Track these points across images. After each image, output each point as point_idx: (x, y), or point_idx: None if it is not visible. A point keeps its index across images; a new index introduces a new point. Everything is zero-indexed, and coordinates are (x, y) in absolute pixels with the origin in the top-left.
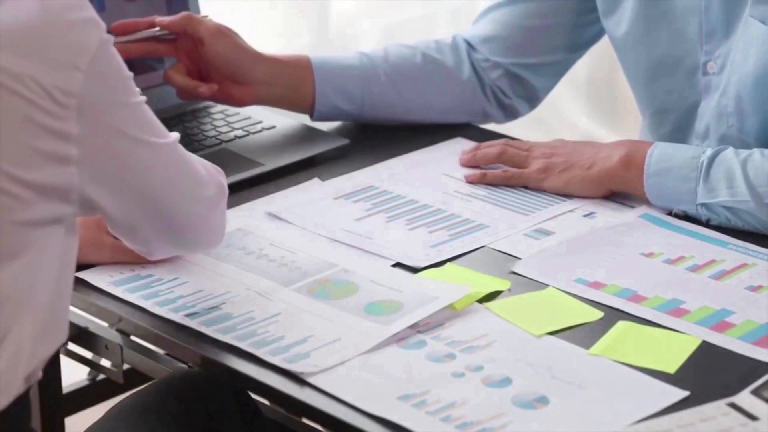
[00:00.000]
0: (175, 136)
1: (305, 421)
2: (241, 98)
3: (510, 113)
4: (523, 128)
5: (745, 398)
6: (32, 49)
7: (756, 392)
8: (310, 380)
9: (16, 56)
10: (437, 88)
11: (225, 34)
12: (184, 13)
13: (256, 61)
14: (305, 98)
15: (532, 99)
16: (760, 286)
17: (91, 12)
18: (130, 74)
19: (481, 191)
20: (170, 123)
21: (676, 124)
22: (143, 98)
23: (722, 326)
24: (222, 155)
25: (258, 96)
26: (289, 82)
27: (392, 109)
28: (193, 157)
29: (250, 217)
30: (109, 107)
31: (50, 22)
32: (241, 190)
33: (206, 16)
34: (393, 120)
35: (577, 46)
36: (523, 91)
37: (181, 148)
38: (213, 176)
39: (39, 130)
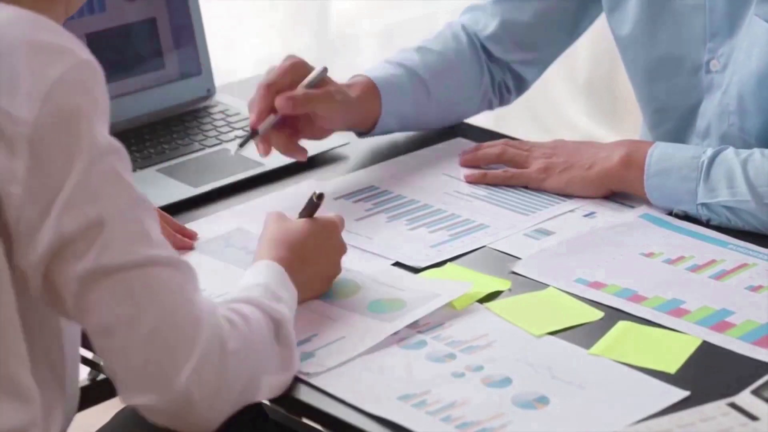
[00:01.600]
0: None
1: (305, 421)
2: (317, 138)
3: (502, 103)
4: (523, 128)
5: (745, 398)
6: None
7: (756, 392)
8: (311, 380)
9: None
10: (467, 98)
11: (342, 105)
12: (302, 96)
13: (353, 111)
14: (365, 127)
15: (522, 90)
16: (760, 286)
17: (64, 42)
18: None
19: (481, 191)
20: (170, 123)
21: (677, 123)
22: (119, 165)
23: (722, 326)
24: (222, 155)
25: (331, 132)
26: (362, 120)
27: (426, 122)
28: (189, 282)
29: (250, 217)
30: (64, 156)
31: (13, 39)
32: (241, 191)
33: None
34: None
35: (574, 38)
36: (517, 85)
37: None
38: (212, 322)
39: None
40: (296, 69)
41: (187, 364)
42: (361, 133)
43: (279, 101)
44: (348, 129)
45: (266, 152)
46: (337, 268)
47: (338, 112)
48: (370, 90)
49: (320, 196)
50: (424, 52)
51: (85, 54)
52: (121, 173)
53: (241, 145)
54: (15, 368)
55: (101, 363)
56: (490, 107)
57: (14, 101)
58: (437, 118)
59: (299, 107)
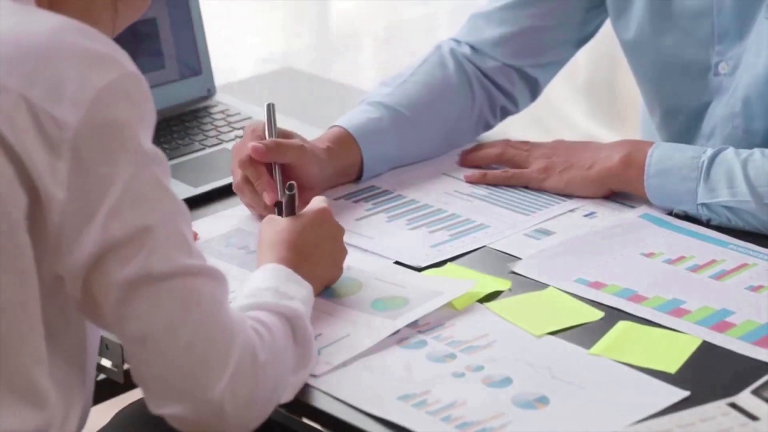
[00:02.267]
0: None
1: (305, 421)
2: (307, 201)
3: (507, 115)
4: (523, 128)
5: (745, 398)
6: (31, 67)
7: (756, 392)
8: (311, 380)
9: (10, 72)
10: (456, 128)
11: (311, 155)
12: (271, 148)
13: (323, 162)
14: (351, 177)
15: (535, 97)
16: (760, 286)
17: (112, 52)
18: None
19: (481, 191)
20: (170, 123)
21: (686, 125)
22: (155, 175)
23: (722, 326)
24: (222, 155)
25: (317, 192)
26: (342, 171)
27: (415, 156)
28: (224, 293)
29: (250, 217)
30: (107, 162)
31: (62, 44)
32: None
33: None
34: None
35: (584, 39)
36: (530, 94)
37: (202, 278)
38: (244, 334)
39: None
40: (257, 131)
41: (222, 376)
42: (350, 181)
43: (252, 151)
44: (331, 184)
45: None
46: (341, 251)
47: (311, 163)
48: (343, 140)
49: (291, 187)
50: (408, 85)
51: (132, 66)
52: (164, 182)
53: None
54: (34, 372)
55: (101, 362)
56: (487, 128)
57: (60, 106)
58: (426, 152)
59: (271, 154)
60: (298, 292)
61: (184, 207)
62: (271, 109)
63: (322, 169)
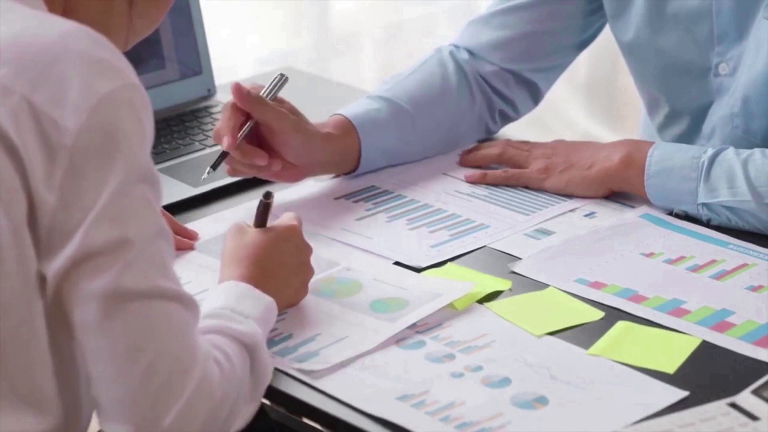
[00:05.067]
0: (170, 288)
1: (305, 420)
2: (293, 178)
3: (507, 121)
4: (523, 128)
5: (745, 398)
6: (37, 71)
7: (756, 392)
8: (310, 380)
9: (16, 75)
10: (455, 127)
11: (296, 125)
12: (253, 98)
13: (320, 145)
14: (348, 166)
15: (536, 102)
16: (760, 286)
17: (118, 62)
18: (144, 162)
19: (481, 191)
20: (170, 123)
21: (687, 126)
22: (146, 199)
23: (723, 326)
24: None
25: (310, 174)
26: (340, 158)
27: (416, 153)
28: (193, 322)
29: (250, 219)
30: (100, 171)
31: (70, 49)
32: (241, 190)
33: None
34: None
35: (585, 43)
36: (530, 99)
37: (176, 298)
38: (205, 368)
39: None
40: (255, 88)
41: (174, 408)
42: (348, 173)
43: (233, 88)
44: (328, 171)
45: (232, 172)
46: (307, 271)
47: (293, 135)
48: (343, 127)
49: (267, 195)
50: (408, 81)
51: (136, 79)
52: (152, 201)
53: (214, 167)
54: (36, 375)
55: None
56: (489, 133)
57: (62, 110)
58: (426, 149)
59: (252, 102)
60: (255, 309)
61: (169, 233)
62: (279, 79)
63: (313, 150)
